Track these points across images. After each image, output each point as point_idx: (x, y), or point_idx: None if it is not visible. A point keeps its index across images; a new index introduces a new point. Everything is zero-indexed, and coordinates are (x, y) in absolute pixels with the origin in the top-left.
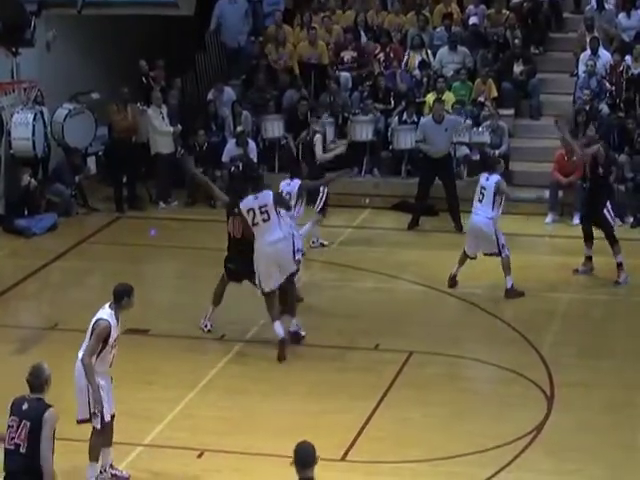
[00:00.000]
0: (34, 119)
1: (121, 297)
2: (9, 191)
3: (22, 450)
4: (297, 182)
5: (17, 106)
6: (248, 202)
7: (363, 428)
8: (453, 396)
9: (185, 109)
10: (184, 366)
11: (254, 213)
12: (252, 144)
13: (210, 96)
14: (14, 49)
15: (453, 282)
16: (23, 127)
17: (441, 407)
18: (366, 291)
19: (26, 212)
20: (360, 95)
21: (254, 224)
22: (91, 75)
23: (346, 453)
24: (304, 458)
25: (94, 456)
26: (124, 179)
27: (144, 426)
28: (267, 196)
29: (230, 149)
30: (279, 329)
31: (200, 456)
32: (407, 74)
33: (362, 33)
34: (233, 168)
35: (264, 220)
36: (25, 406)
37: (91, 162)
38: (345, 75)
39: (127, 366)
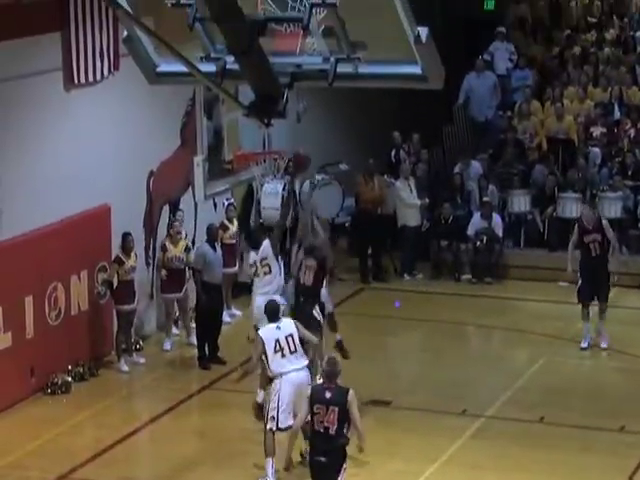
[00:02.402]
0: (283, 189)
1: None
2: None
3: (331, 432)
4: None
5: (268, 176)
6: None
7: None
8: None
9: (432, 182)
10: (425, 439)
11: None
12: (498, 218)
13: (457, 169)
14: (266, 120)
15: None
16: (272, 197)
17: None
18: (610, 370)
19: None
20: (609, 171)
21: None
22: (339, 146)
23: None
24: None
25: None
26: (369, 250)
27: None
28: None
29: (475, 222)
30: None
31: None
32: None
33: (616, 108)
34: (478, 242)
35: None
36: (328, 394)
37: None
38: (595, 151)
39: (370, 437)
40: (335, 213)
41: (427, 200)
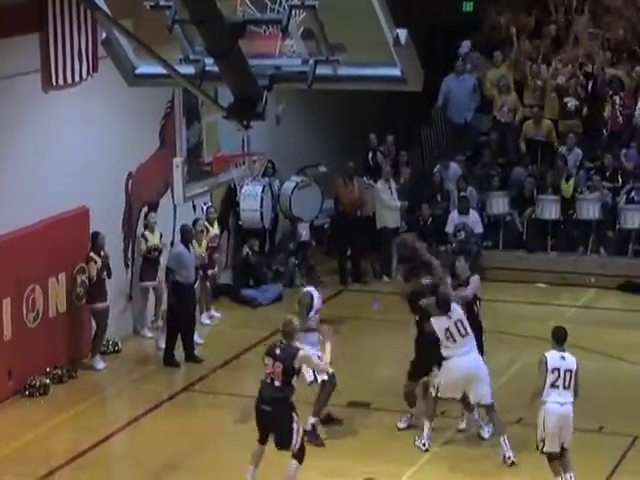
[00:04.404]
0: (262, 191)
1: None
2: (236, 262)
3: (276, 383)
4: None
5: (247, 178)
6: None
7: None
8: None
9: (411, 183)
10: (405, 441)
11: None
12: (475, 215)
13: (435, 171)
14: (246, 122)
15: None
16: (252, 199)
17: None
18: (589, 371)
19: (251, 282)
20: (586, 173)
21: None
22: (318, 148)
23: None
24: None
25: None
26: (348, 252)
27: None
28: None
29: (453, 218)
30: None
31: None
32: (634, 152)
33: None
34: (455, 238)
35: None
36: (278, 351)
37: (303, 228)
38: (575, 151)
39: (350, 439)
40: (314, 215)
41: (407, 203)
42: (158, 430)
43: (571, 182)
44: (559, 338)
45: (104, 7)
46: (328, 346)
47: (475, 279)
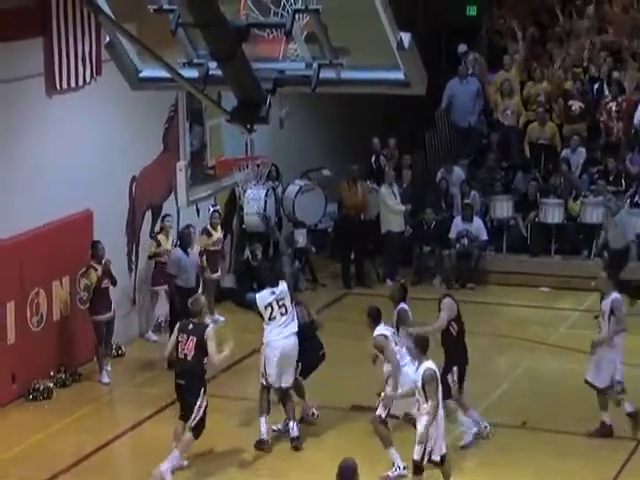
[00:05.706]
0: (266, 195)
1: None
2: (239, 266)
3: (189, 358)
4: None
5: (250, 182)
6: (264, 297)
7: None
8: None
9: (415, 187)
10: (408, 445)
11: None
12: (479, 221)
13: (439, 175)
14: (249, 126)
15: None
16: (255, 203)
17: None
18: None
19: (255, 286)
20: (590, 177)
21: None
22: (322, 152)
23: None
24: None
25: None
26: (352, 256)
27: None
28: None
29: (457, 225)
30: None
31: None
32: (638, 156)
33: (596, 85)
34: (458, 245)
35: (281, 314)
36: (190, 327)
37: (299, 234)
38: (580, 150)
39: (352, 443)
40: (318, 219)
41: (410, 206)
42: (162, 434)
43: (579, 202)
44: (425, 347)
45: (108, 11)
46: (226, 351)
47: (446, 304)
